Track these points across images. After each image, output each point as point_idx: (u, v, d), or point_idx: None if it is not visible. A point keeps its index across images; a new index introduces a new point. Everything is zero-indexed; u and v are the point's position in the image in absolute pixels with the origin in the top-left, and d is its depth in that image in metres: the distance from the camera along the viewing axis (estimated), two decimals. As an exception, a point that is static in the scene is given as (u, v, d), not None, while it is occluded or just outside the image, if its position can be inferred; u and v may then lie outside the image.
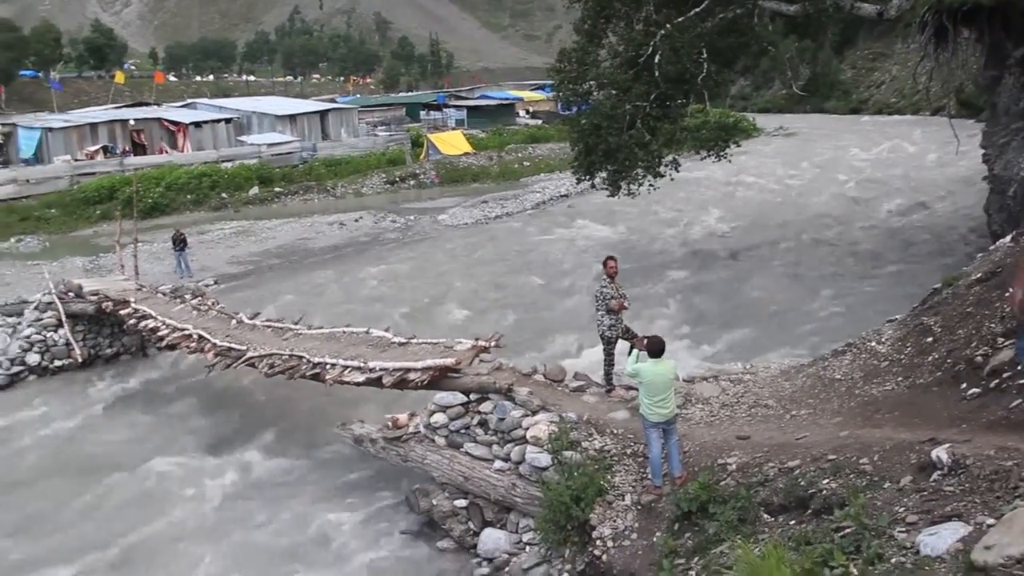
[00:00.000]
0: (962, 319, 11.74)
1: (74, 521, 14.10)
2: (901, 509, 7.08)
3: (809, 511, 8.18)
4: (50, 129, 56.73)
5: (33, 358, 21.65)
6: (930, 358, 11.50)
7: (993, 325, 11.00)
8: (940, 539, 6.28)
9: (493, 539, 11.82)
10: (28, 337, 21.94)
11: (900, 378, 11.57)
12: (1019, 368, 9.70)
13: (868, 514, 7.11)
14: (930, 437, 8.33)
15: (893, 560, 6.34)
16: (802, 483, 8.59)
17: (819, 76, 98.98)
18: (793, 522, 8.24)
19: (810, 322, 21.25)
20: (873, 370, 12.16)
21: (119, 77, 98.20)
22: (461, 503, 12.38)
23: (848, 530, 7.06)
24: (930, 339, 11.95)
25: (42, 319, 22.31)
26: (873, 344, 12.92)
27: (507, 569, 11.41)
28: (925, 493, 7.23)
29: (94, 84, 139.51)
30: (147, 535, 13.50)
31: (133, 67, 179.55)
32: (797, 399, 12.17)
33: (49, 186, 49.75)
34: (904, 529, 6.73)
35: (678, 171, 28.49)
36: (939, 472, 7.49)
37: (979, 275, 12.73)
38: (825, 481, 8.37)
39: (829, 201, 40.95)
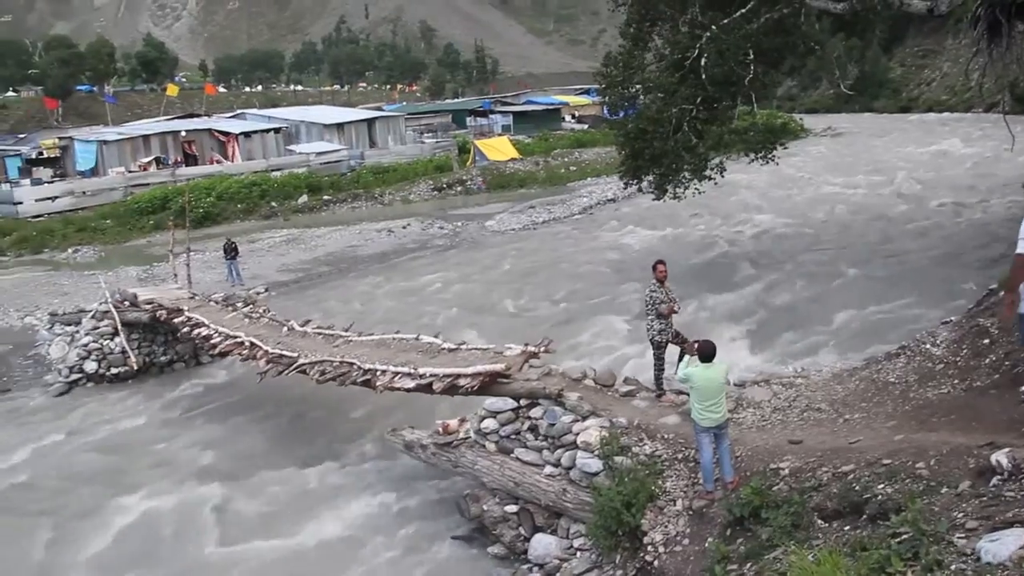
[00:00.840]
0: (1019, 320, 11.50)
1: (122, 528, 14.30)
2: (960, 515, 6.94)
3: (864, 517, 8.05)
4: (105, 142, 57.94)
5: (90, 366, 22.13)
6: (987, 360, 11.29)
7: (1052, 326, 10.76)
8: (1002, 545, 6.14)
9: (544, 544, 11.80)
10: (86, 345, 22.43)
11: (956, 381, 11.37)
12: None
13: (926, 520, 6.98)
14: (988, 441, 8.17)
15: (953, 567, 6.22)
16: (856, 488, 8.46)
17: (867, 75, 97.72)
18: (848, 528, 8.12)
19: (862, 325, 20.95)
20: (928, 373, 11.97)
21: (171, 90, 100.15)
22: (512, 508, 12.38)
23: (905, 536, 6.94)
24: (986, 341, 11.73)
25: (99, 327, 22.80)
26: (927, 347, 12.73)
27: (558, 575, 11.38)
28: (985, 498, 7.09)
29: (147, 97, 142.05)
30: (179, 544, 13.69)
31: (184, 79, 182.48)
32: (850, 403, 12.01)
33: (104, 197, 50.85)
34: (963, 535, 6.60)
35: (724, 175, 28.26)
36: (999, 477, 7.33)
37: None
38: (880, 486, 8.24)
39: (879, 202, 40.37)
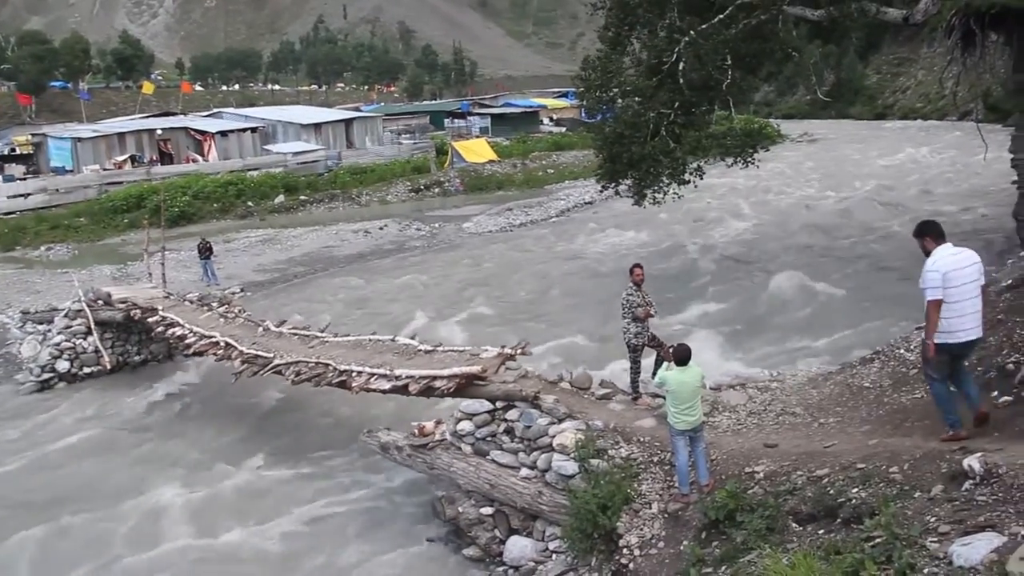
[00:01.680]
0: (992, 326, 11.61)
1: (95, 532, 14.16)
2: (933, 519, 6.99)
3: (838, 520, 8.10)
4: (79, 139, 57.49)
5: (63, 365, 21.93)
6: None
7: (1024, 332, 10.89)
8: (974, 550, 6.19)
9: (519, 547, 11.80)
10: (58, 344, 22.23)
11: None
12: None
13: (899, 524, 7.03)
14: (961, 446, 8.24)
15: (926, 571, 6.26)
16: (831, 492, 8.51)
17: (844, 82, 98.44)
18: (822, 531, 8.16)
19: (836, 329, 21.08)
20: (902, 378, 12.06)
21: (147, 87, 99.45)
22: (487, 511, 12.37)
23: (879, 540, 6.98)
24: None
25: (72, 326, 22.60)
26: (901, 351, 12.83)
27: (533, 577, 11.39)
28: (957, 503, 7.14)
29: (122, 94, 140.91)
30: (168, 542, 13.59)
31: (160, 77, 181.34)
32: (825, 407, 12.09)
33: (78, 195, 50.39)
34: (936, 539, 6.64)
35: (703, 178, 28.38)
36: (971, 481, 7.39)
37: (1009, 282, 12.63)
38: (854, 490, 8.28)
39: (854, 207, 40.66)
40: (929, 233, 8.90)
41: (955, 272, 8.59)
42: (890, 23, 25.58)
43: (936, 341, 8.74)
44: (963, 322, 8.70)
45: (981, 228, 32.01)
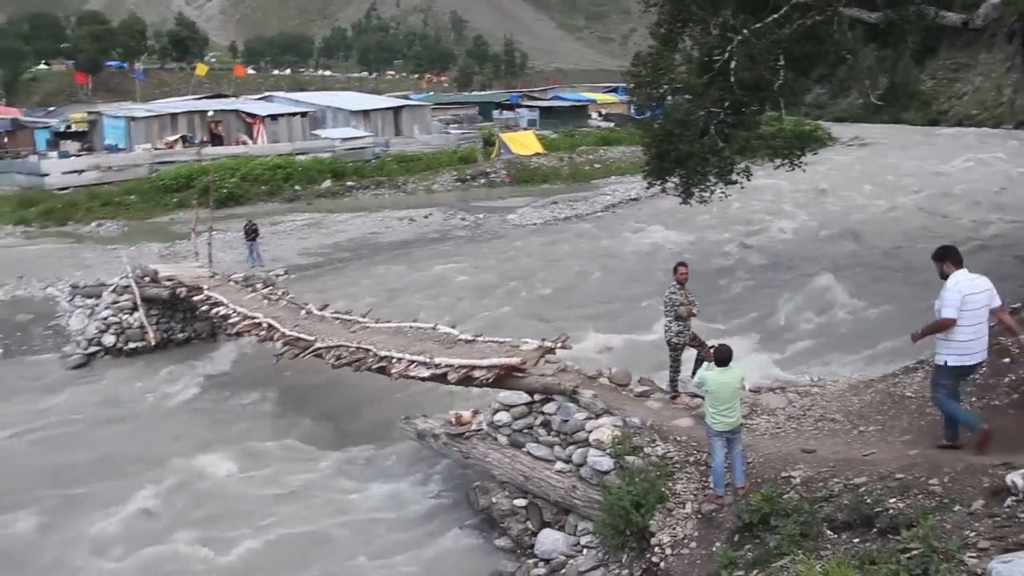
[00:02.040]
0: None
1: (128, 505, 14.37)
2: (972, 534, 6.89)
3: (874, 530, 8.02)
4: (133, 118, 58.28)
5: (109, 339, 22.33)
6: (1006, 379, 11.19)
7: (1074, 347, 10.67)
8: (1015, 568, 6.08)
9: (551, 540, 11.83)
10: (105, 319, 22.63)
11: (974, 399, 11.28)
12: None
13: (937, 537, 6.94)
14: (1004, 461, 8.11)
15: (962, 585, 6.20)
16: (868, 501, 8.43)
17: (898, 86, 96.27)
18: (857, 540, 8.09)
19: (881, 337, 20.81)
20: (946, 390, 11.87)
21: (200, 69, 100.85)
22: (520, 502, 12.40)
23: (915, 552, 6.90)
24: (1007, 360, 11.63)
25: (119, 302, 22.97)
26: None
27: (563, 571, 11.40)
28: (998, 519, 7.04)
29: (176, 76, 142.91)
30: (202, 518, 13.77)
31: (213, 60, 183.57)
32: (865, 415, 11.94)
33: (129, 173, 51.12)
34: (975, 555, 6.55)
35: (750, 179, 28.13)
36: (1014, 498, 7.28)
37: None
38: (892, 500, 8.20)
39: (905, 215, 40.12)
40: (949, 257, 9.38)
41: (972, 296, 9.06)
42: (949, 27, 25.15)
43: (951, 363, 9.25)
44: (978, 344, 9.18)
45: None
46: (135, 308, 22.80)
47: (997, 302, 9.32)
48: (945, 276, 9.33)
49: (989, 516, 7.16)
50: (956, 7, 26.26)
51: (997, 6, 22.21)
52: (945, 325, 9.07)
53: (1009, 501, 7.28)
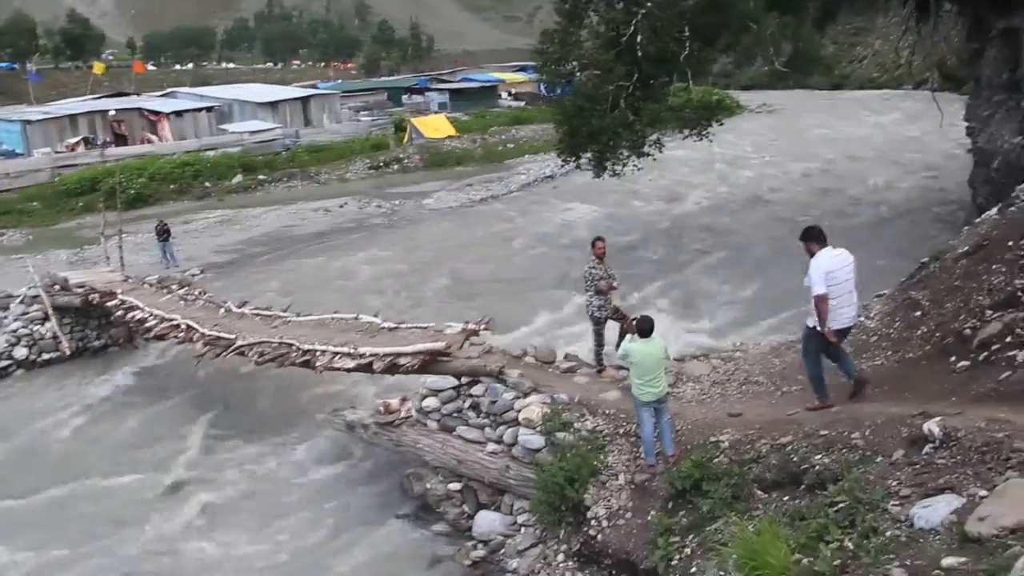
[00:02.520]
0: (950, 292, 11.79)
1: (54, 520, 14.03)
2: (894, 483, 7.10)
3: (802, 487, 8.21)
4: (29, 122, 56.40)
5: (20, 352, 21.55)
6: (919, 332, 11.56)
7: (981, 298, 11.05)
8: (934, 512, 6.32)
9: (488, 521, 11.87)
10: (15, 331, 21.83)
11: (889, 352, 11.63)
12: (1008, 340, 9.77)
13: (861, 488, 7.14)
14: (921, 411, 8.37)
15: (888, 533, 6.38)
16: (795, 459, 8.63)
17: (801, 52, 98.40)
18: (787, 498, 8.28)
19: (798, 298, 21.26)
20: (862, 345, 12.21)
21: (98, 67, 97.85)
22: (455, 486, 12.41)
23: (842, 505, 7.09)
24: (918, 313, 12.01)
25: (28, 312, 22.20)
26: (862, 319, 12.96)
27: (502, 551, 11.45)
28: (917, 466, 7.26)
29: (72, 75, 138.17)
30: (133, 527, 13.48)
31: (111, 57, 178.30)
32: (787, 375, 12.21)
33: (30, 179, 49.41)
34: (898, 503, 6.76)
35: (662, 151, 28.47)
36: (931, 445, 7.52)
37: (966, 248, 12.78)
38: (818, 456, 8.40)
39: (813, 177, 41.06)
40: (813, 238, 10.17)
41: (835, 271, 9.87)
42: (846, -7, 25.76)
43: (817, 328, 9.93)
44: (841, 312, 9.92)
45: (937, 195, 32.49)
46: (46, 318, 22.05)
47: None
48: (812, 254, 10.03)
49: (909, 464, 7.38)
50: (852, -28, 26.92)
51: (890, -30, 22.81)
52: (823, 301, 9.75)
53: (927, 449, 7.51)
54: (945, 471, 7.00)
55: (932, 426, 7.67)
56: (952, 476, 6.85)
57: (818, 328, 9.90)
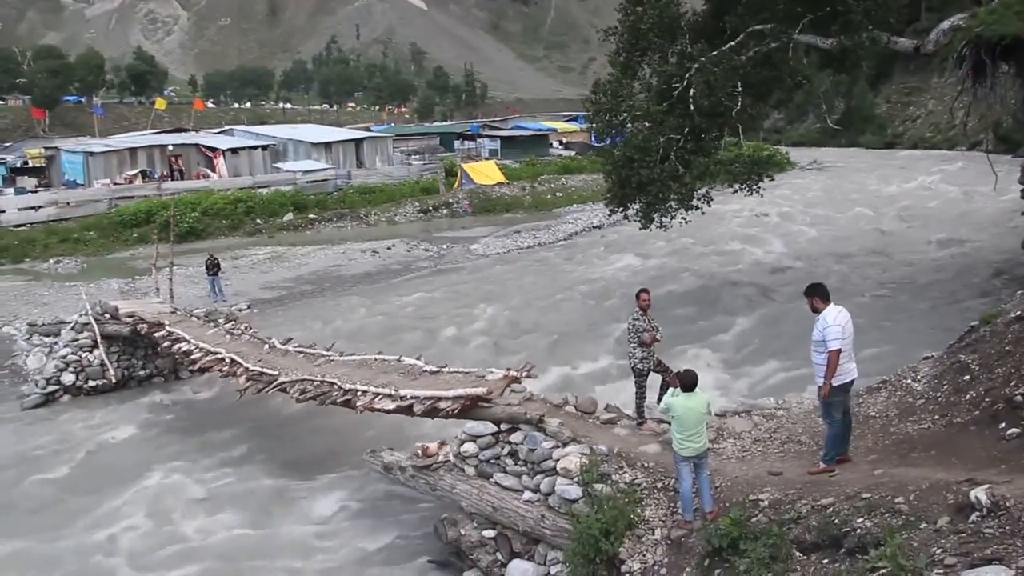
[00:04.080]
0: (1000, 357, 11.55)
1: (88, 547, 14.13)
2: (939, 551, 6.93)
3: (843, 550, 8.04)
4: (91, 153, 57.81)
5: (68, 378, 21.94)
6: (967, 396, 11.32)
7: (1033, 364, 10.82)
8: (980, 582, 6.16)
9: (521, 570, 11.72)
10: (64, 357, 22.25)
11: (936, 416, 11.39)
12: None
13: (905, 555, 6.97)
14: (968, 477, 8.18)
15: (931, 603, 6.22)
16: (836, 521, 8.45)
17: (853, 110, 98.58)
18: (826, 561, 8.11)
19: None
20: (908, 408, 11.99)
21: (159, 103, 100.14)
22: (489, 533, 12.30)
23: (884, 571, 6.93)
24: (967, 377, 11.76)
25: (78, 339, 22.63)
26: (908, 381, 12.75)
27: (534, 601, 11.30)
28: (964, 535, 7.09)
29: (135, 110, 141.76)
30: (166, 560, 13.53)
31: (173, 94, 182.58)
32: (830, 436, 11.99)
33: (88, 209, 50.62)
34: (942, 571, 6.59)
35: (710, 205, 28.38)
36: (978, 513, 7.34)
37: (1018, 313, 12.54)
38: (859, 520, 8.22)
39: (864, 235, 40.64)
40: (818, 294, 10.38)
41: (847, 326, 10.24)
42: (901, 52, 25.67)
43: (836, 383, 10.16)
44: (848, 367, 10.29)
45: (989, 258, 31.97)
46: (95, 346, 22.46)
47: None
48: (816, 310, 10.35)
49: (955, 532, 7.21)
50: (908, 33, 26.83)
51: (947, 32, 22.71)
52: (836, 357, 10.06)
53: (973, 517, 7.33)
54: (993, 541, 6.82)
55: (980, 494, 7.48)
56: (1000, 547, 6.67)
57: (832, 383, 10.10)
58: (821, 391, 10.36)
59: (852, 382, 10.55)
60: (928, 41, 23.42)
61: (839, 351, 10.05)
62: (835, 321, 10.12)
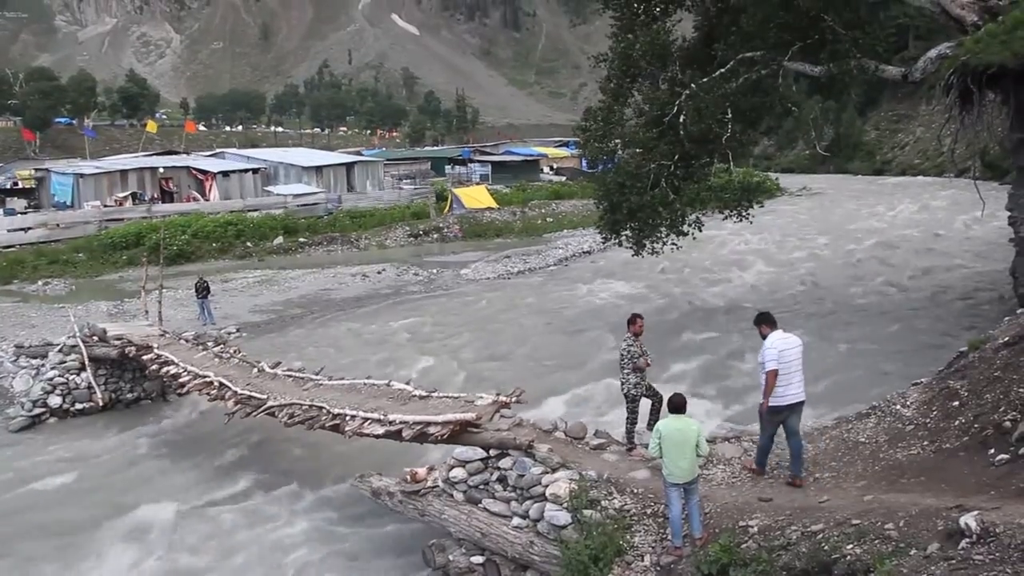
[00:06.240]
0: (989, 383, 11.60)
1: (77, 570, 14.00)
2: (928, 578, 6.93)
3: (833, 577, 8.02)
4: (82, 175, 57.86)
5: (55, 400, 21.75)
6: (956, 422, 11.34)
7: (1022, 390, 10.86)
8: (969, 610, 6.14)
9: (509, 597, 11.65)
10: (51, 379, 22.07)
11: (926, 442, 11.41)
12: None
13: (894, 582, 6.96)
14: (957, 504, 8.18)
15: (920, 630, 6.19)
16: (825, 548, 8.43)
17: (842, 137, 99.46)
18: (816, 588, 8.08)
19: (833, 384, 21.02)
20: (898, 434, 12.01)
21: (150, 126, 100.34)
22: (478, 559, 12.22)
23: (873, 598, 6.91)
24: (956, 403, 11.80)
25: (65, 362, 22.46)
26: (898, 407, 12.78)
27: (523, 628, 11.22)
28: (953, 561, 7.08)
29: (126, 132, 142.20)
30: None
31: (164, 116, 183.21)
32: (820, 462, 12.02)
33: (78, 231, 50.59)
34: (932, 598, 6.58)
35: (701, 231, 28.46)
36: (968, 540, 7.33)
37: (1006, 339, 12.60)
38: (849, 546, 8.21)
39: (853, 261, 40.77)
40: (766, 322, 11.66)
41: (786, 351, 11.17)
42: (889, 80, 25.90)
43: (771, 403, 11.20)
44: (790, 389, 11.18)
45: (978, 284, 32.11)
46: (82, 368, 22.30)
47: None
48: (764, 336, 11.44)
49: (945, 559, 7.20)
50: (896, 61, 27.09)
51: (934, 60, 22.93)
52: (774, 376, 11.05)
53: (963, 543, 7.33)
54: (983, 568, 6.81)
55: (969, 520, 7.48)
56: (990, 573, 6.68)
57: (771, 403, 11.12)
58: (760, 407, 11.35)
59: (796, 405, 11.30)
60: (916, 69, 23.63)
61: (775, 372, 11.02)
62: (772, 345, 11.17)
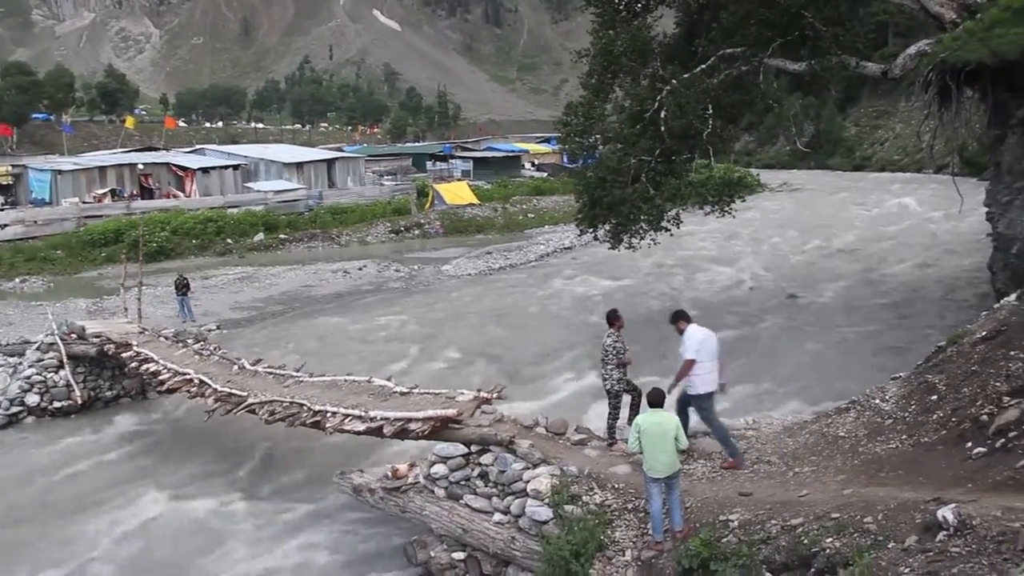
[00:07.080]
0: (967, 377, 11.67)
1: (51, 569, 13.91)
2: (906, 570, 6.97)
3: (812, 570, 8.07)
4: (60, 172, 57.27)
5: (32, 399, 21.55)
6: (934, 416, 11.41)
7: (998, 384, 10.92)
8: (946, 602, 6.18)
9: (491, 593, 11.65)
10: (28, 378, 21.85)
11: (904, 436, 11.47)
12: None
13: (873, 574, 7.01)
14: (935, 497, 8.24)
15: (898, 622, 6.23)
16: (805, 541, 8.48)
17: (823, 133, 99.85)
18: (796, 581, 8.13)
19: (813, 379, 21.13)
20: (877, 428, 12.07)
21: (129, 122, 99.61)
22: (459, 555, 12.22)
23: (852, 591, 6.95)
24: (934, 397, 11.87)
25: (43, 360, 22.24)
26: (877, 402, 12.84)
27: (505, 624, 11.22)
28: (931, 554, 7.13)
29: (105, 128, 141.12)
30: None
31: (144, 112, 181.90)
32: (800, 456, 12.07)
33: (56, 227, 50.06)
34: (910, 591, 6.62)
35: (679, 227, 28.52)
36: (945, 532, 7.39)
37: (984, 333, 12.68)
38: (828, 540, 8.26)
39: (832, 257, 40.99)
40: (682, 318, 12.62)
41: (704, 342, 12.23)
42: (869, 76, 26.03)
43: (702, 390, 12.16)
44: (705, 379, 12.17)
45: (956, 279, 32.34)
46: (61, 366, 22.09)
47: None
48: (681, 332, 12.40)
49: (922, 552, 7.25)
50: (875, 58, 27.21)
51: (913, 57, 23.06)
52: (690, 365, 12.04)
53: (941, 536, 7.38)
54: (959, 560, 6.86)
55: (947, 513, 7.54)
56: (967, 565, 6.72)
57: (701, 391, 12.05)
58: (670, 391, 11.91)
59: (710, 393, 12.27)
60: (895, 66, 23.75)
61: (693, 361, 12.01)
62: (692, 336, 12.21)
